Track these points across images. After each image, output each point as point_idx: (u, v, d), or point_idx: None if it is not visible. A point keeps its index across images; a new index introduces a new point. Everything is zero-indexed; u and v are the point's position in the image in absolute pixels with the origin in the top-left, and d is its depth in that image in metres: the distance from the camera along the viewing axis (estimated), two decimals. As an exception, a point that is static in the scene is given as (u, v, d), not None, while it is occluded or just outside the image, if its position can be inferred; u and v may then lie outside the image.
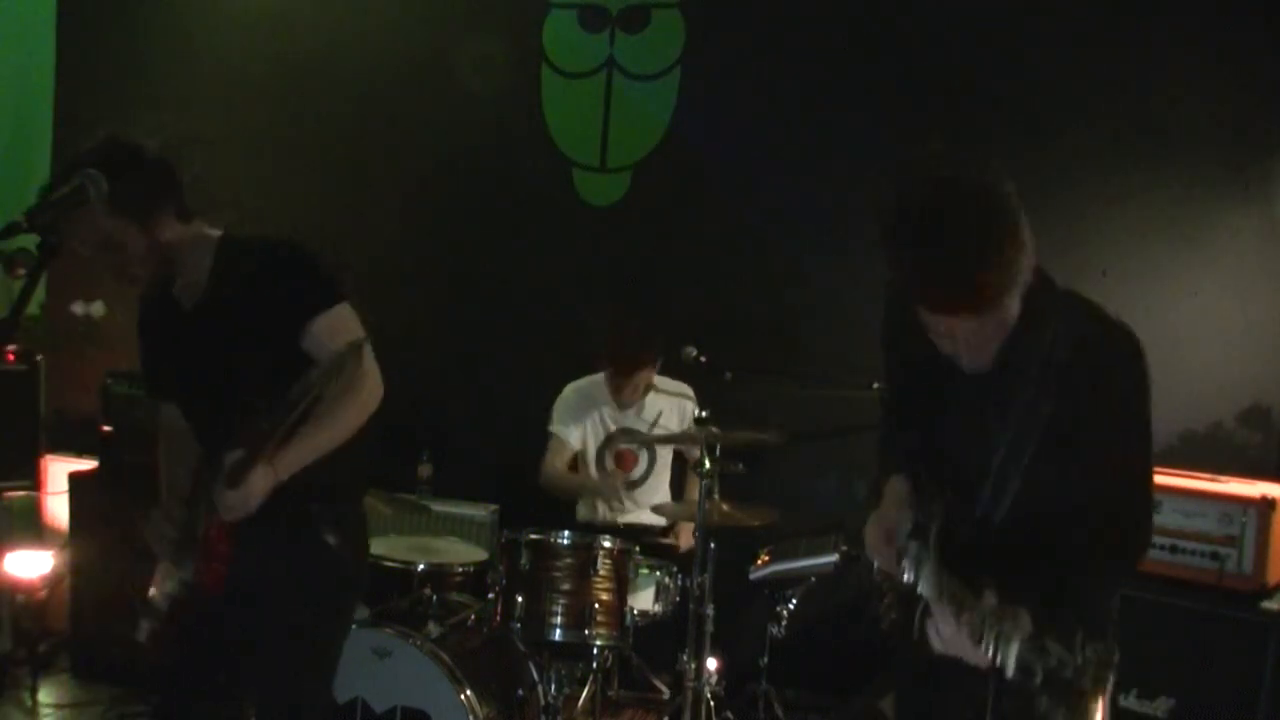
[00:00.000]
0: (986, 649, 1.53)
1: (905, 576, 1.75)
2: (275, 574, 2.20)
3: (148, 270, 2.17)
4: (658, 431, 3.84)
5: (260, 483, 2.03)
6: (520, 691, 3.17)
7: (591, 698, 3.35)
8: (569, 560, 3.15)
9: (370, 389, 2.18)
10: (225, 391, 2.17)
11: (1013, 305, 1.63)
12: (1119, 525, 1.74)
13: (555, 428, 3.91)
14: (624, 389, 3.80)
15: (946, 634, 1.63)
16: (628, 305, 4.20)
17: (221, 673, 2.31)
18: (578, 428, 3.90)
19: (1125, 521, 1.75)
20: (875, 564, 1.97)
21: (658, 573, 3.34)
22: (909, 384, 1.96)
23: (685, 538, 3.86)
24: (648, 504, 3.89)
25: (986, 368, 1.72)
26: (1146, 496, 1.80)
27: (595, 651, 3.23)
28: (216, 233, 2.27)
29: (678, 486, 4.05)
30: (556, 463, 3.89)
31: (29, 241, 1.83)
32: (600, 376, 3.93)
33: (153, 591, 2.24)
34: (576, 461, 3.96)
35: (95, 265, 2.14)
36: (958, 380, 1.78)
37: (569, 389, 3.96)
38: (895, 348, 2.02)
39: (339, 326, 2.16)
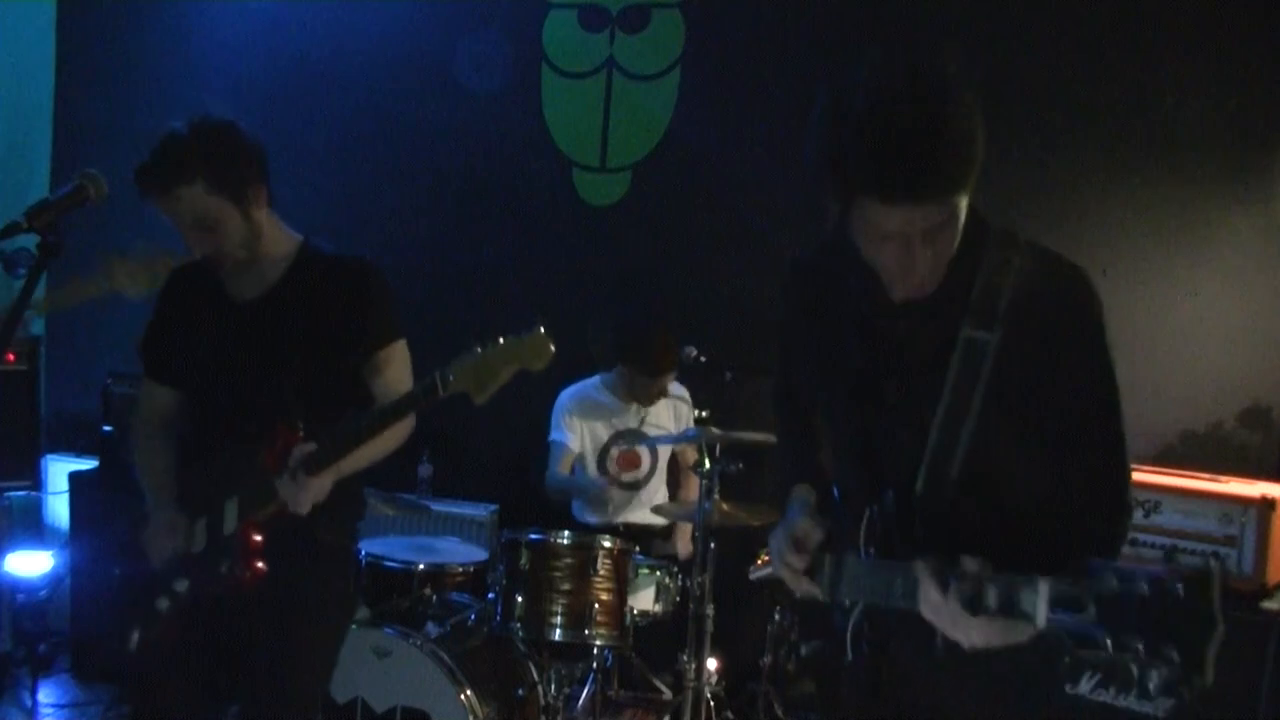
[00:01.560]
0: (995, 610, 1.29)
1: (825, 594, 1.59)
2: (284, 578, 2.19)
3: (243, 252, 2.18)
4: (656, 432, 3.84)
5: (328, 481, 2.04)
6: (520, 691, 3.17)
7: (591, 698, 3.35)
8: (569, 560, 3.15)
9: (408, 429, 2.22)
10: (263, 390, 2.17)
11: (963, 210, 1.46)
12: (1092, 499, 1.53)
13: (555, 434, 3.90)
14: (650, 390, 3.79)
15: (938, 615, 1.37)
16: (636, 306, 4.20)
17: (213, 675, 2.29)
18: (577, 431, 3.89)
19: (1098, 493, 1.54)
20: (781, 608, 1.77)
21: (658, 573, 3.34)
22: (827, 364, 1.73)
23: (684, 544, 3.86)
24: (648, 505, 3.89)
25: (927, 294, 1.52)
26: (1120, 458, 1.56)
27: (595, 651, 3.23)
28: (298, 235, 2.30)
29: (672, 488, 4.05)
30: (559, 470, 3.89)
31: (29, 242, 1.83)
32: (596, 379, 3.93)
33: (160, 602, 2.21)
34: (574, 465, 3.96)
35: (189, 245, 2.16)
36: (885, 340, 1.62)
37: (565, 395, 3.95)
38: (809, 321, 1.78)
39: (401, 359, 2.23)
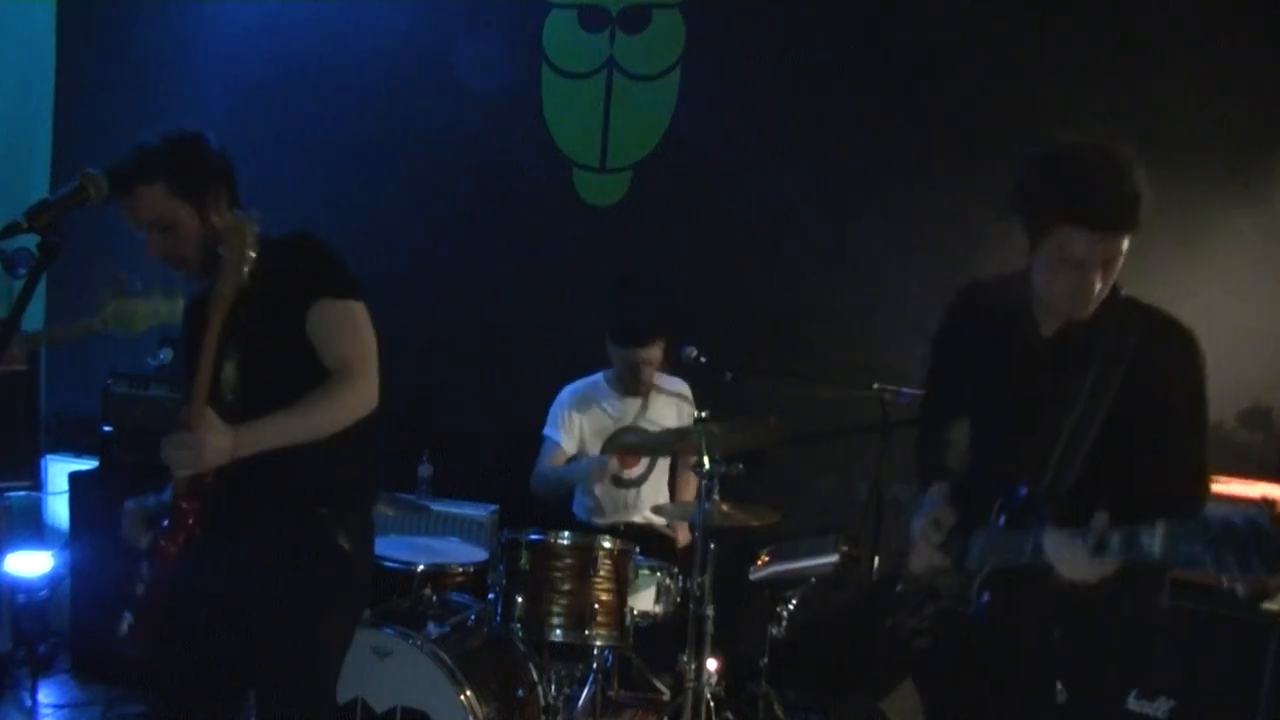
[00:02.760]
0: (1114, 552, 1.72)
1: (958, 560, 2.06)
2: (287, 576, 2.21)
3: (197, 255, 2.22)
4: (656, 430, 3.84)
5: (217, 440, 2.00)
6: (520, 691, 3.17)
7: (591, 698, 3.35)
8: (569, 561, 3.14)
9: (358, 394, 2.14)
10: (244, 384, 2.19)
11: (1123, 258, 1.93)
12: (1182, 500, 1.89)
13: (549, 430, 3.90)
14: (634, 365, 3.77)
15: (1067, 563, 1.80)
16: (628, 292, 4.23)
17: (223, 674, 2.30)
18: (573, 430, 3.89)
19: (1187, 498, 1.94)
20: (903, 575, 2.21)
21: (658, 573, 3.34)
22: (980, 380, 2.20)
23: (683, 534, 3.86)
24: (647, 505, 3.89)
25: (1083, 318, 1.99)
26: (1207, 476, 2.04)
27: (595, 652, 3.23)
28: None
29: (672, 488, 4.04)
30: (547, 466, 3.88)
31: (29, 242, 1.83)
32: (598, 376, 3.93)
33: (137, 586, 2.23)
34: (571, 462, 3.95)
35: (148, 246, 2.22)
36: (1031, 367, 2.09)
37: (565, 391, 3.95)
38: (967, 339, 2.23)
39: (345, 320, 2.17)
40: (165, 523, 2.18)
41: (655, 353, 3.78)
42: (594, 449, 3.89)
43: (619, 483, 3.90)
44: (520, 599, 3.12)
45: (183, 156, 2.21)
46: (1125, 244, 1.90)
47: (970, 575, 2.05)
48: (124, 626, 2.23)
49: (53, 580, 4.12)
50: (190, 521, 2.15)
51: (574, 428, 3.89)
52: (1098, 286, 1.92)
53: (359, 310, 2.21)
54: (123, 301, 2.43)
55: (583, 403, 3.91)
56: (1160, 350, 1.99)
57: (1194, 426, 2.02)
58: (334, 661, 2.34)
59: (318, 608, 2.26)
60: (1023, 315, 2.09)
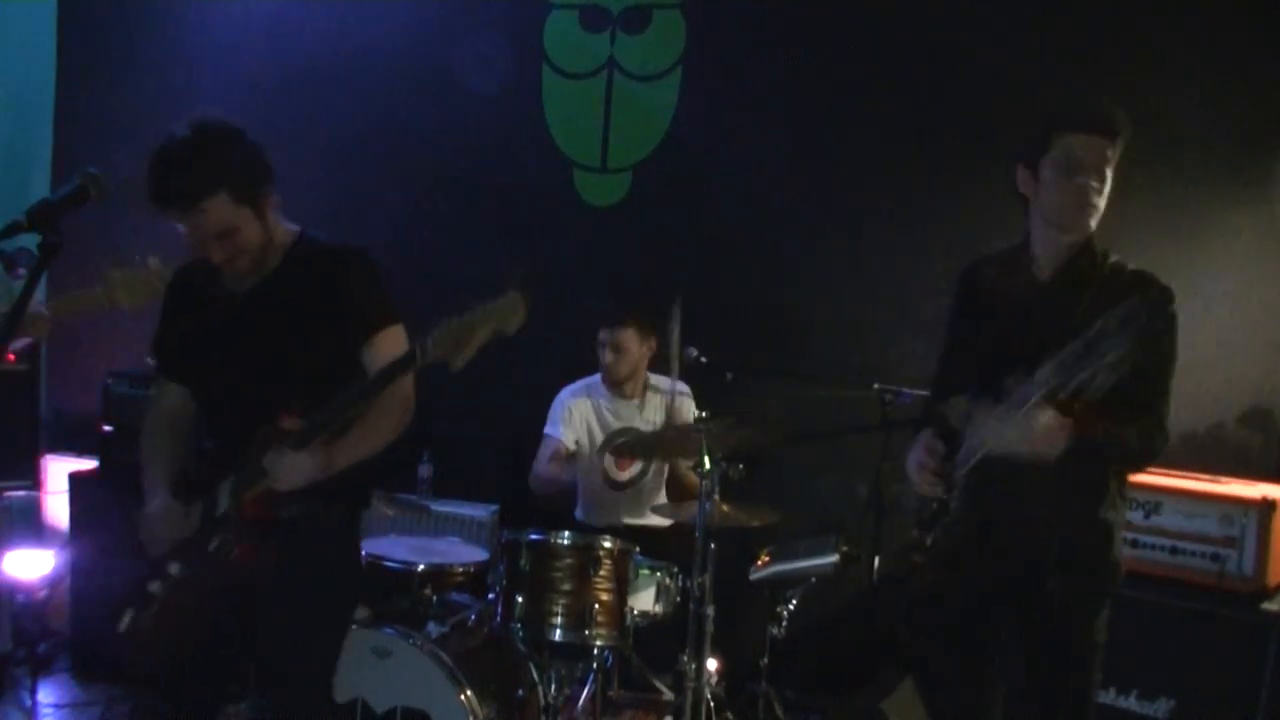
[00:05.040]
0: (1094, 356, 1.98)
1: (968, 460, 2.21)
2: (304, 571, 2.21)
3: (256, 253, 2.19)
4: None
5: (316, 460, 2.05)
6: (520, 691, 3.17)
7: (591, 698, 3.35)
8: (569, 560, 3.15)
9: (408, 409, 2.24)
10: (260, 380, 2.18)
11: (1111, 174, 2.35)
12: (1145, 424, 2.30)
13: (549, 428, 3.91)
14: (618, 367, 3.78)
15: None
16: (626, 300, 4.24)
17: (219, 669, 2.30)
18: (573, 429, 3.89)
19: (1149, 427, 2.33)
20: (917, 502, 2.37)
21: (658, 573, 3.34)
22: (985, 333, 2.40)
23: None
24: (645, 505, 3.89)
25: (1084, 238, 2.36)
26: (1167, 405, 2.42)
27: (595, 652, 3.23)
28: (294, 227, 2.31)
29: (671, 488, 4.04)
30: (546, 464, 3.88)
31: (30, 241, 1.84)
32: (597, 377, 3.93)
33: (153, 585, 2.22)
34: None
35: (206, 252, 2.15)
36: (1031, 312, 2.32)
37: (565, 391, 3.95)
38: (975, 304, 2.47)
39: (394, 344, 2.21)
40: (236, 529, 2.15)
41: (625, 337, 3.79)
42: (590, 447, 3.89)
43: (614, 485, 3.90)
44: (520, 599, 3.12)
45: (241, 158, 2.13)
46: (1110, 153, 2.30)
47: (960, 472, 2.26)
48: (125, 622, 2.22)
49: (52, 580, 4.12)
50: (254, 523, 2.14)
51: (575, 422, 3.89)
52: (1095, 196, 2.28)
53: (399, 333, 2.27)
54: (124, 272, 2.40)
55: (583, 400, 3.91)
56: (1151, 298, 2.32)
57: (1167, 367, 2.44)
58: (335, 658, 2.34)
59: (332, 605, 2.29)
60: (1023, 267, 2.37)
